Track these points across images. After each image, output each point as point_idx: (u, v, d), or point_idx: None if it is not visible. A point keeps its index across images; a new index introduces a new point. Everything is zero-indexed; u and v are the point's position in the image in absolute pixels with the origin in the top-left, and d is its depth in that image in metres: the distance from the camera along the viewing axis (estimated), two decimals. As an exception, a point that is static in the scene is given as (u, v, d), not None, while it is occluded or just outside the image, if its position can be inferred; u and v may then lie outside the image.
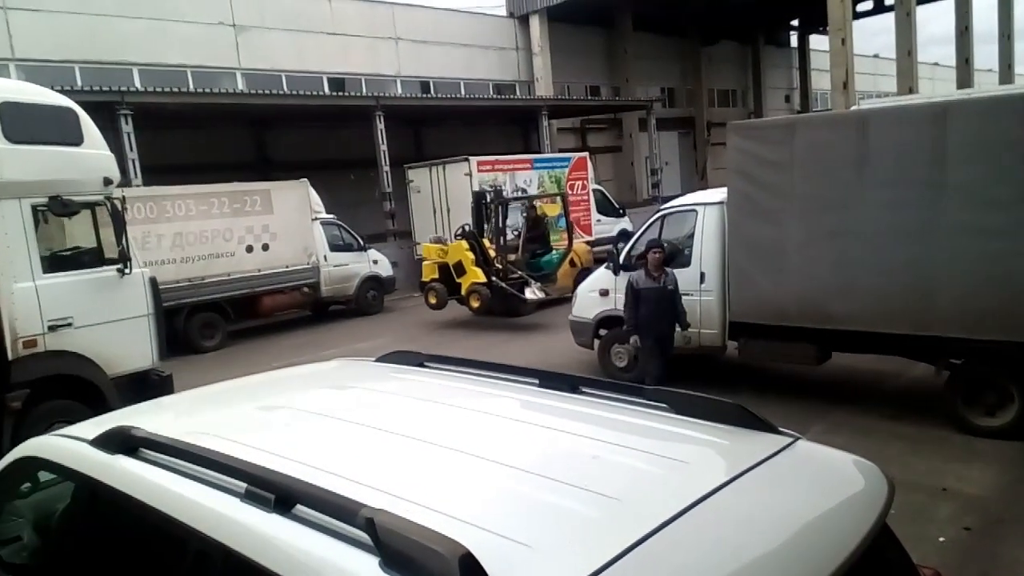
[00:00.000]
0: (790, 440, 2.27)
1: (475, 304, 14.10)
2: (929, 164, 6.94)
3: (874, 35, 66.26)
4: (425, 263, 15.30)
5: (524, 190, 21.01)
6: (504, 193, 17.07)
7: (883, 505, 2.01)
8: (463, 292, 14.35)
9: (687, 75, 40.61)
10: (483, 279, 14.05)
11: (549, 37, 32.06)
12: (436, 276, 14.81)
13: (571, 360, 10.32)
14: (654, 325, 7.91)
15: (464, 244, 14.59)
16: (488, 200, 15.19)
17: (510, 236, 15.67)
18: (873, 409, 7.87)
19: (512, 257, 14.93)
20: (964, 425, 7.08)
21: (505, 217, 15.27)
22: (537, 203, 17.06)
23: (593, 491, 1.91)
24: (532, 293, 14.25)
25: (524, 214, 16.50)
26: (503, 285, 14.05)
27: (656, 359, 8.03)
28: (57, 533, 2.76)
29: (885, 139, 7.26)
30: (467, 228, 15.12)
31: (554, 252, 16.14)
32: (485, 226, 15.16)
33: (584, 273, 16.05)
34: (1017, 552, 5.03)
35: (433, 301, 14.74)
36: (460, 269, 14.39)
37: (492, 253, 14.66)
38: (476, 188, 17.06)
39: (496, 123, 30.92)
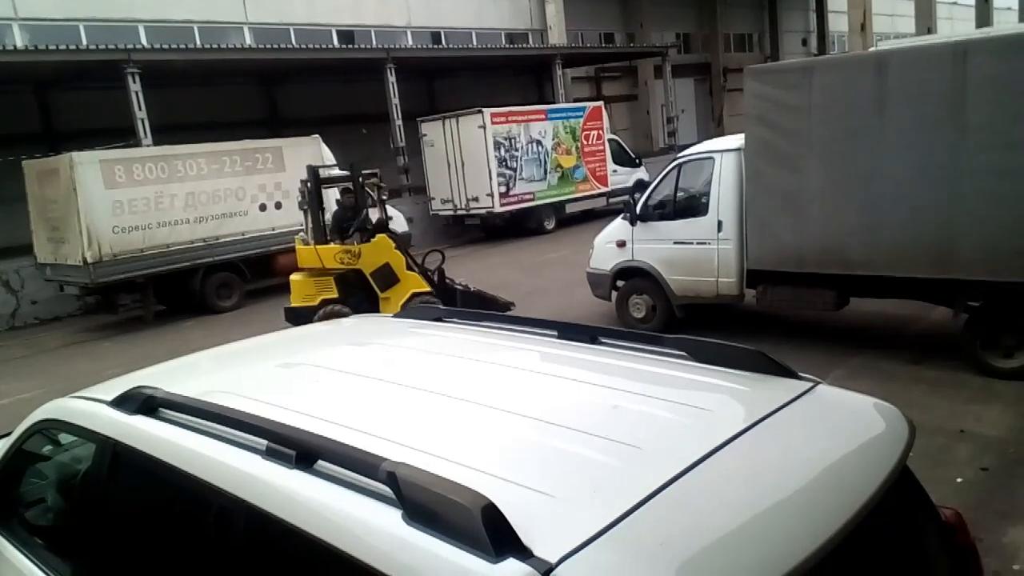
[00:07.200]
0: (810, 385, 2.26)
1: None
2: (949, 105, 6.79)
3: (892, -26, 64.14)
4: (297, 278, 10.31)
5: (539, 142, 20.82)
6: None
7: (903, 447, 2.01)
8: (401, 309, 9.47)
9: (702, 20, 39.77)
10: (427, 287, 10.24)
11: (561, -17, 31.37)
12: (334, 295, 10.04)
13: (590, 312, 10.30)
14: None
15: (389, 240, 10.41)
16: (323, 177, 11.16)
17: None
18: (893, 354, 7.83)
19: None
20: (983, 367, 7.05)
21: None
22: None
23: (613, 440, 1.91)
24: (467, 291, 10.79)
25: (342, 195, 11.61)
26: (468, 287, 10.61)
27: None
28: (80, 494, 2.79)
29: (904, 80, 7.09)
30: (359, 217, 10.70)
31: None
32: (323, 216, 10.86)
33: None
34: (1035, 492, 5.04)
35: None
36: (388, 277, 10.17)
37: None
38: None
39: (510, 74, 30.48)
